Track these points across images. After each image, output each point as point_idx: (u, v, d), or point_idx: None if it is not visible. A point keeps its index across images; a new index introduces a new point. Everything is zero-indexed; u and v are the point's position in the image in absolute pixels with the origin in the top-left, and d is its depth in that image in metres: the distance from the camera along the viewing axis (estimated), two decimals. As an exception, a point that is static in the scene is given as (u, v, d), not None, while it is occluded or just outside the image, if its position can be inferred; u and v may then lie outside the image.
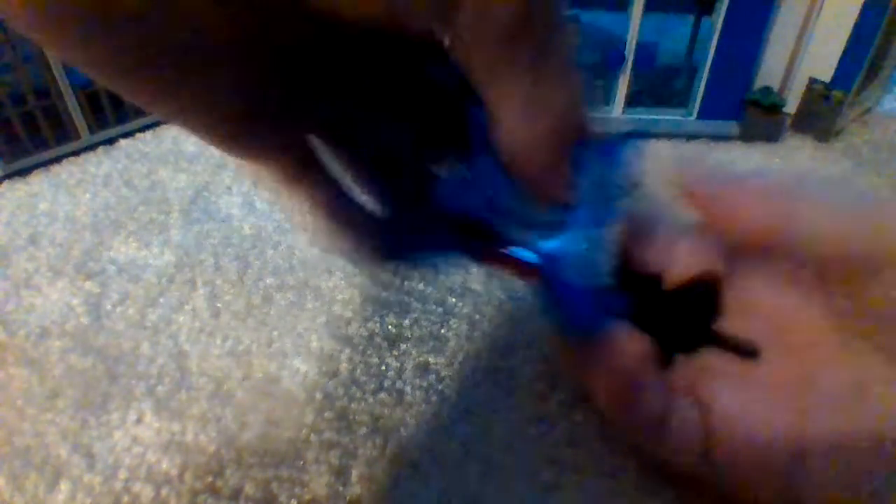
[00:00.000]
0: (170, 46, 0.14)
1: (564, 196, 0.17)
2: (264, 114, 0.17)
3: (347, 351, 0.30)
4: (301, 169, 0.19)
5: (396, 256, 0.19)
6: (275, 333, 0.31)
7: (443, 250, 0.20)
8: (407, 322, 0.31)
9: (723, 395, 0.21)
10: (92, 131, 0.46)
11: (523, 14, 0.14)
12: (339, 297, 0.33)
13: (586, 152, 0.17)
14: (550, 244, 0.19)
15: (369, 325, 0.31)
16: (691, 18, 0.48)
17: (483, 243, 0.19)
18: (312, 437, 0.26)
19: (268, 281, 0.34)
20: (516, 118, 0.16)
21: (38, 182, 0.43)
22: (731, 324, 0.22)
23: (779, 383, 0.21)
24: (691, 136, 0.47)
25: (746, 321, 0.22)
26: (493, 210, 0.18)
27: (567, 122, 0.16)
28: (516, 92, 0.15)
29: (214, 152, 0.45)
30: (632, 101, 0.48)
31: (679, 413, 0.21)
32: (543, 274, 0.19)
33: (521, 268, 0.19)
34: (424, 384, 0.28)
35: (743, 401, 0.21)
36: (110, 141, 0.47)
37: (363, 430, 0.26)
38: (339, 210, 0.20)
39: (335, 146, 0.19)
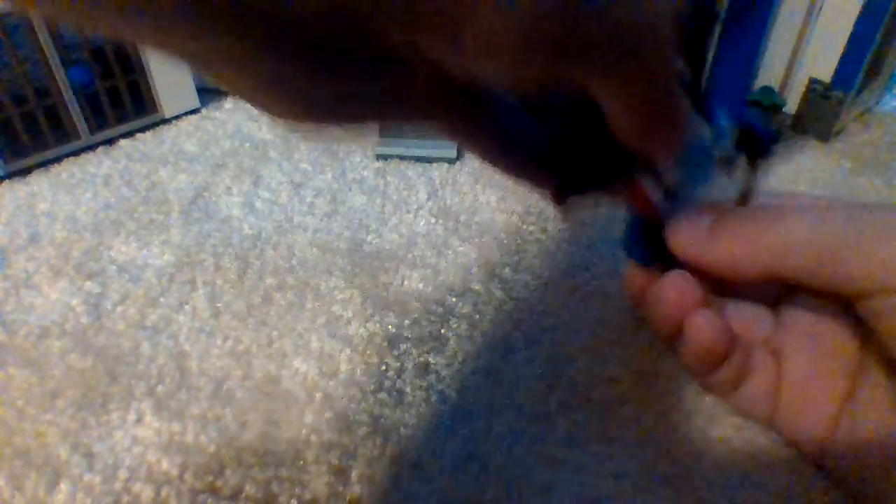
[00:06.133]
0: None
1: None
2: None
3: (347, 351, 0.30)
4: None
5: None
6: (275, 333, 0.31)
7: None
8: (407, 322, 0.31)
9: (797, 354, 0.21)
10: (92, 131, 0.46)
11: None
12: (339, 297, 0.33)
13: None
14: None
15: (369, 325, 0.31)
16: (691, 18, 0.48)
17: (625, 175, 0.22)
18: (312, 437, 0.26)
19: (268, 281, 0.34)
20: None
21: (38, 182, 0.42)
22: None
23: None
24: (691, 136, 0.47)
25: None
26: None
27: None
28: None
29: (214, 152, 0.45)
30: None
31: (754, 364, 0.21)
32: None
33: (645, 201, 0.23)
34: (424, 384, 0.28)
35: (814, 369, 0.21)
36: (110, 141, 0.47)
37: (363, 430, 0.26)
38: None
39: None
